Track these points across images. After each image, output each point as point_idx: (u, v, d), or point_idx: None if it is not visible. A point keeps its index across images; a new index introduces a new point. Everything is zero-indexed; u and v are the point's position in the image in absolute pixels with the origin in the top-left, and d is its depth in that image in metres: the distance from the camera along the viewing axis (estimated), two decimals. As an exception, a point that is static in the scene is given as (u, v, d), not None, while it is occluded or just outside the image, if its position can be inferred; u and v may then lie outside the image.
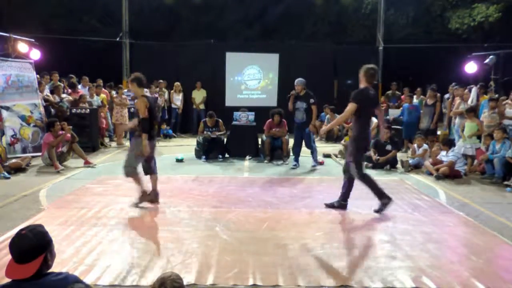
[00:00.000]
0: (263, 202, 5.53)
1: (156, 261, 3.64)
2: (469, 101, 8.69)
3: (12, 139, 8.00)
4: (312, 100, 7.65)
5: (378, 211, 5.08)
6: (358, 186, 6.47)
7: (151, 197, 5.31)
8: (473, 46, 13.22)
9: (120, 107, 10.25)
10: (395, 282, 3.31)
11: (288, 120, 8.87)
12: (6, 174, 6.72)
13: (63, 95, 9.50)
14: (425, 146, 8.10)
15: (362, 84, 5.13)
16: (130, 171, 5.14)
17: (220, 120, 8.82)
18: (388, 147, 7.96)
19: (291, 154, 8.71)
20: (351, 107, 4.99)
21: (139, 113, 5.07)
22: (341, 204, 5.24)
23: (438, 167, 7.16)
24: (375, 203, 5.49)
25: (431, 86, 9.84)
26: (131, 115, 9.70)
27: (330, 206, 5.27)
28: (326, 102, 11.96)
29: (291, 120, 9.01)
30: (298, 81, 7.85)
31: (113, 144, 10.45)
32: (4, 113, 7.99)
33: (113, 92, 11.12)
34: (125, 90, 11.13)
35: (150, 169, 5.34)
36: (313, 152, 7.97)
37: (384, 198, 5.05)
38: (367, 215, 5.04)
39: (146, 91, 10.47)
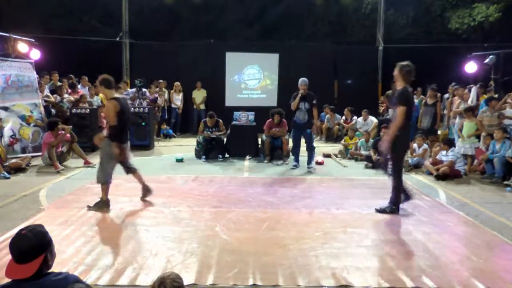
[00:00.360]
0: (263, 202, 5.53)
1: (156, 261, 3.64)
2: (469, 101, 8.69)
3: (11, 139, 7.99)
4: (314, 101, 7.66)
5: (380, 211, 5.08)
6: (359, 186, 6.48)
7: (144, 193, 5.38)
8: (473, 46, 13.21)
9: None
10: (395, 282, 3.31)
11: (288, 120, 8.88)
12: (6, 174, 6.73)
13: (65, 96, 9.51)
14: (425, 145, 8.10)
15: (400, 84, 5.03)
16: (101, 178, 5.09)
17: (220, 120, 8.82)
18: None
19: (291, 154, 8.72)
20: (402, 109, 4.85)
21: (108, 119, 4.92)
22: (392, 208, 5.10)
23: (438, 167, 7.16)
24: (375, 203, 5.50)
25: (431, 86, 9.84)
26: (131, 115, 9.68)
27: (381, 211, 5.11)
28: (326, 102, 11.95)
29: (291, 120, 9.03)
30: (303, 81, 7.68)
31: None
32: (3, 114, 7.99)
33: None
34: (127, 90, 11.14)
35: (129, 169, 5.38)
36: (312, 153, 7.80)
37: (395, 205, 5.06)
38: (367, 215, 5.04)
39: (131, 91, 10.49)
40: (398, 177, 5.05)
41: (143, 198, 5.47)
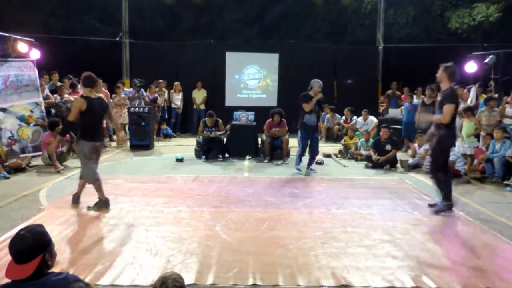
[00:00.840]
0: (263, 202, 5.53)
1: (156, 261, 3.64)
2: (468, 101, 8.69)
3: (9, 140, 7.99)
4: (323, 104, 7.67)
5: (437, 211, 5.11)
6: (359, 186, 6.48)
7: (98, 204, 5.15)
8: (473, 46, 13.22)
9: (120, 107, 10.24)
10: (395, 282, 3.31)
11: (288, 120, 8.88)
12: (6, 174, 6.73)
13: (65, 95, 9.50)
14: (426, 146, 8.09)
15: (445, 84, 5.12)
16: (88, 178, 5.09)
17: (220, 120, 8.82)
18: (388, 147, 7.97)
19: (291, 154, 8.72)
20: (450, 108, 4.94)
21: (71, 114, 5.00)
22: (448, 205, 5.13)
23: (438, 167, 7.15)
24: (375, 202, 5.51)
25: (430, 86, 9.84)
26: (131, 115, 9.69)
27: (438, 211, 5.14)
28: (326, 102, 11.93)
29: (291, 120, 9.03)
30: (317, 82, 7.23)
31: (113, 144, 10.45)
32: (1, 115, 7.97)
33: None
34: (126, 89, 11.13)
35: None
36: (315, 157, 7.73)
37: (449, 200, 5.09)
38: (367, 214, 5.04)
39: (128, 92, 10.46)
40: (444, 173, 5.11)
41: (90, 208, 5.14)
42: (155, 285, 1.91)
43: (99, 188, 5.11)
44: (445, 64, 5.14)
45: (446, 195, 5.10)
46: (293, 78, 12.49)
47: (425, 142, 5.37)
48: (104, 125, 10.36)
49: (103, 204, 5.11)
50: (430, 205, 5.33)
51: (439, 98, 5.26)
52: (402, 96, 11.62)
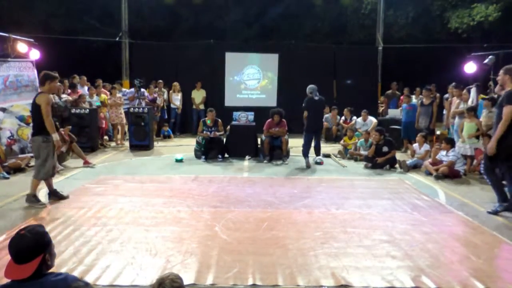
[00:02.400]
0: (263, 202, 5.53)
1: (156, 261, 3.64)
2: (469, 102, 8.69)
3: (9, 140, 7.98)
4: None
5: (494, 212, 5.14)
6: (358, 186, 6.49)
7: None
8: (472, 46, 13.23)
9: (115, 107, 10.24)
10: (394, 282, 3.31)
11: (288, 120, 8.88)
12: (5, 174, 6.72)
13: (63, 96, 9.50)
14: (426, 146, 8.10)
15: (510, 86, 5.02)
16: (45, 174, 5.22)
17: (219, 120, 8.82)
18: (385, 148, 7.97)
19: (291, 154, 8.73)
20: (510, 109, 4.84)
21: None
22: (506, 206, 5.16)
23: (438, 167, 7.16)
24: (375, 203, 5.51)
25: (427, 86, 9.89)
26: (130, 115, 9.69)
27: (494, 212, 5.16)
28: (326, 102, 11.94)
29: (291, 120, 9.05)
30: (311, 88, 8.25)
31: (113, 144, 10.45)
32: (0, 115, 7.96)
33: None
34: (123, 90, 11.15)
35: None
36: (320, 151, 8.50)
37: (506, 201, 5.15)
38: (366, 214, 5.04)
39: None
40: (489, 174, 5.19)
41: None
42: (153, 286, 1.91)
43: (36, 184, 5.28)
44: (507, 66, 5.06)
45: (500, 196, 5.19)
46: (293, 79, 12.49)
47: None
48: (104, 125, 10.41)
49: (35, 199, 5.24)
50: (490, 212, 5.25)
51: (499, 99, 5.17)
52: (402, 96, 11.63)
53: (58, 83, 9.87)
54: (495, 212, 5.15)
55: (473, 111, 7.89)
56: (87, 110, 9.40)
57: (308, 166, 7.93)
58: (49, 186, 5.46)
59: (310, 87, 8.20)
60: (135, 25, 15.22)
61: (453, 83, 9.54)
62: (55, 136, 5.13)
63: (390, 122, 10.47)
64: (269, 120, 8.63)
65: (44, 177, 5.29)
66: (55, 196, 5.45)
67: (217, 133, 8.60)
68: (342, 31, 18.39)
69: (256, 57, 13.14)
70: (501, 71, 5.10)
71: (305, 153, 8.08)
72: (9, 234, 4.11)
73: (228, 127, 9.18)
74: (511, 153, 4.93)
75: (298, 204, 5.44)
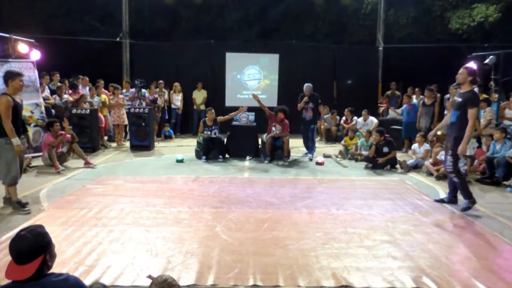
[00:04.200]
0: (264, 202, 5.53)
1: (156, 262, 3.64)
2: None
3: None
4: (319, 101, 9.07)
5: (464, 209, 5.21)
6: (359, 186, 6.48)
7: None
8: (473, 46, 13.21)
9: (117, 108, 10.24)
10: (395, 282, 3.31)
11: (287, 120, 8.88)
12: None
13: (64, 96, 9.51)
14: (427, 146, 8.09)
15: (467, 88, 5.13)
16: (13, 178, 5.04)
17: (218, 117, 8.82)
18: (385, 149, 7.97)
19: (292, 154, 8.73)
20: (476, 111, 5.03)
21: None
22: (471, 202, 5.25)
23: (438, 168, 7.16)
24: (376, 203, 5.50)
25: (429, 86, 9.87)
26: (131, 116, 9.70)
27: (465, 209, 5.24)
28: (326, 102, 11.97)
29: (290, 120, 9.03)
30: (307, 86, 8.89)
31: (113, 144, 10.45)
32: None
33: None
34: (124, 90, 11.15)
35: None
36: (313, 146, 9.02)
37: (470, 198, 5.21)
38: (367, 215, 5.04)
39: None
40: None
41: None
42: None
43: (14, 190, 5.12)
44: (469, 68, 5.16)
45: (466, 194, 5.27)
46: (293, 79, 12.49)
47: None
48: (104, 125, 10.40)
49: (19, 206, 5.09)
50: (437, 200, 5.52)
51: None
52: (403, 96, 11.62)
53: (59, 83, 9.96)
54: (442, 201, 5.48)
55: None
56: (88, 110, 9.40)
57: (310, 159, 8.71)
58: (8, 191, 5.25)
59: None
60: (135, 25, 15.22)
61: (454, 83, 9.54)
62: (15, 141, 4.91)
63: (390, 122, 10.47)
64: (272, 114, 8.59)
65: (12, 182, 5.07)
66: (9, 203, 5.22)
67: (218, 134, 8.60)
68: (342, 31, 18.37)
69: (257, 58, 13.15)
70: (464, 70, 5.16)
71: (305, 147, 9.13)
72: (9, 235, 4.11)
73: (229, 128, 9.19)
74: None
75: (299, 205, 5.44)
